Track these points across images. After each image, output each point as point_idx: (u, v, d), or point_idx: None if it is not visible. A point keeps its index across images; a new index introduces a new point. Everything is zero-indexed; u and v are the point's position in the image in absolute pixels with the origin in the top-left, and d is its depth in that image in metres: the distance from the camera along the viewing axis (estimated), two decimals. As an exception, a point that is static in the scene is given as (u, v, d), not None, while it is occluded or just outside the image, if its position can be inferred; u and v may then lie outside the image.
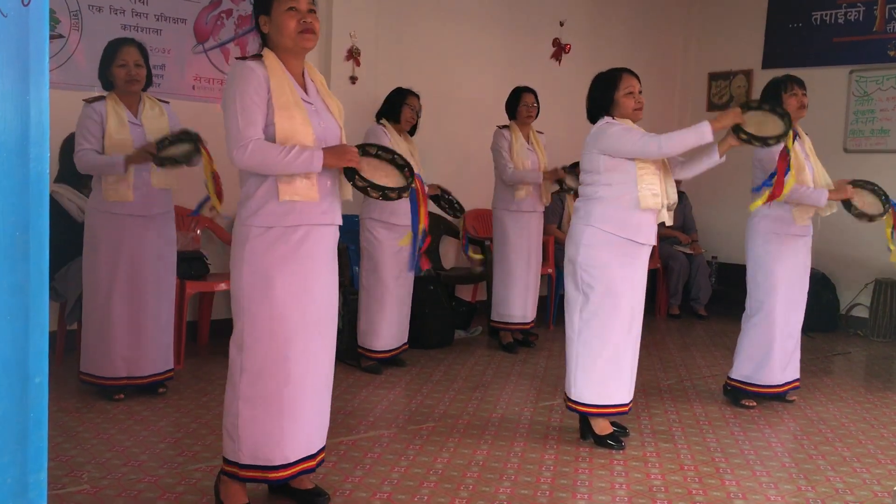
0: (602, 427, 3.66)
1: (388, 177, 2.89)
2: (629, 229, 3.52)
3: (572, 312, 3.64)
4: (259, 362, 2.71)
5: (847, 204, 4.13)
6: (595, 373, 3.58)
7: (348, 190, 2.88)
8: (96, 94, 4.05)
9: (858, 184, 4.19)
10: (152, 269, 4.07)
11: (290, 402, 2.74)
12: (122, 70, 3.96)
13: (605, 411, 3.63)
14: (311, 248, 2.74)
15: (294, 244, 2.71)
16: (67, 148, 4.35)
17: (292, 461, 2.78)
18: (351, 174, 2.79)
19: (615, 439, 3.64)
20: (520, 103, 5.40)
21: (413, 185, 2.93)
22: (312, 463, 2.86)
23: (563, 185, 5.47)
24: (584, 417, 3.71)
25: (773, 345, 4.27)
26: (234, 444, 2.75)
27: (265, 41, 2.79)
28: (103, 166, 3.89)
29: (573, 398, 3.65)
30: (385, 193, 2.82)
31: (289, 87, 2.70)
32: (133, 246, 4.00)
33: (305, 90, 2.79)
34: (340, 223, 2.88)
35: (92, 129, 3.93)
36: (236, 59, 2.93)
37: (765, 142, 3.56)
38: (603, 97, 3.62)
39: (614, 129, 3.53)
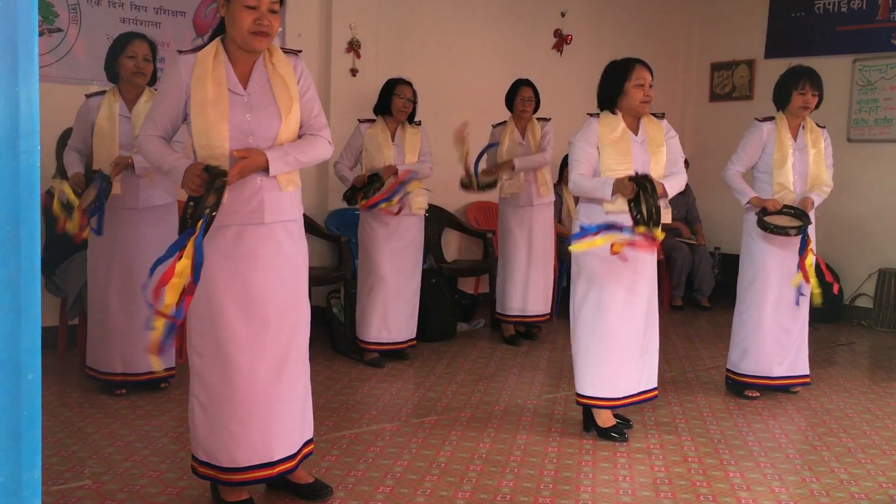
0: (605, 419, 3.65)
1: None
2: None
3: (570, 304, 3.69)
4: (204, 363, 2.66)
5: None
6: (592, 364, 3.59)
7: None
8: (97, 88, 4.04)
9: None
10: (148, 264, 4.04)
11: (235, 406, 2.66)
12: (131, 62, 3.93)
13: (604, 404, 3.62)
14: (251, 248, 2.65)
15: (230, 243, 2.63)
16: (64, 143, 4.34)
17: (242, 466, 2.68)
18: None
19: (618, 432, 3.63)
20: (516, 97, 5.39)
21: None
22: (272, 471, 2.73)
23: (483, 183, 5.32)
24: (587, 410, 3.70)
25: (760, 334, 4.28)
26: (193, 439, 2.74)
27: (222, 25, 2.68)
28: (75, 165, 3.95)
29: (577, 390, 3.66)
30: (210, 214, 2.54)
31: (214, 80, 2.59)
32: (127, 240, 3.98)
33: (247, 81, 2.67)
34: (288, 218, 2.72)
35: (81, 125, 3.95)
36: (177, 51, 2.85)
37: (645, 223, 3.33)
38: (613, 85, 3.61)
39: (575, 144, 3.60)
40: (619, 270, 3.54)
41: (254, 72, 2.69)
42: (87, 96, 4.00)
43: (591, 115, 3.66)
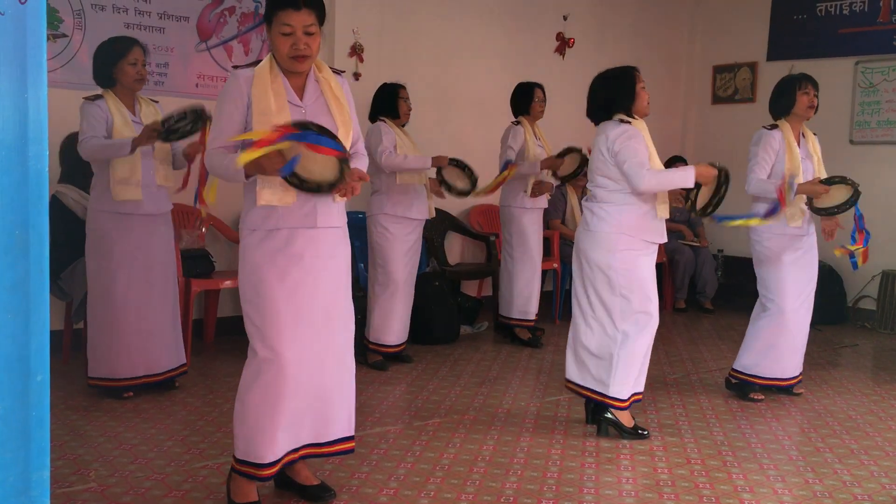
0: (628, 419, 3.70)
1: (322, 166, 2.65)
2: (657, 234, 3.65)
3: (611, 315, 3.67)
4: (255, 360, 2.74)
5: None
6: (635, 369, 3.67)
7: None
8: (91, 92, 4.04)
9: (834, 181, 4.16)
10: (162, 267, 4.12)
11: (288, 401, 2.73)
12: (133, 69, 3.96)
13: (632, 401, 3.71)
14: (300, 250, 2.74)
15: (281, 244, 2.73)
16: (69, 147, 4.35)
17: (280, 456, 2.78)
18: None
19: (641, 428, 3.71)
20: (534, 99, 5.38)
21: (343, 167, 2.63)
22: (295, 455, 2.84)
23: (556, 175, 5.38)
24: (600, 412, 3.71)
25: (781, 338, 4.27)
26: (235, 438, 2.80)
27: None
28: (110, 147, 3.86)
29: (612, 395, 3.66)
30: (319, 188, 2.63)
31: (274, 92, 2.71)
32: (144, 245, 4.03)
33: (302, 94, 2.79)
34: (336, 225, 2.84)
35: (99, 121, 3.93)
36: (233, 66, 2.94)
37: (703, 210, 3.69)
38: (624, 92, 3.64)
39: (628, 144, 3.54)
40: (653, 279, 3.67)
41: (307, 85, 2.81)
42: (90, 99, 3.99)
43: (622, 120, 3.64)
